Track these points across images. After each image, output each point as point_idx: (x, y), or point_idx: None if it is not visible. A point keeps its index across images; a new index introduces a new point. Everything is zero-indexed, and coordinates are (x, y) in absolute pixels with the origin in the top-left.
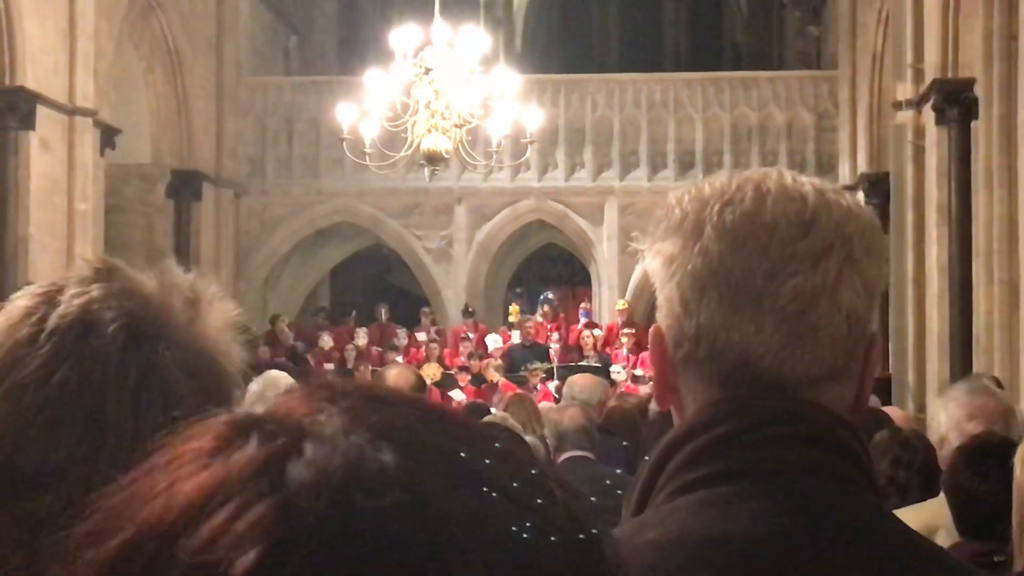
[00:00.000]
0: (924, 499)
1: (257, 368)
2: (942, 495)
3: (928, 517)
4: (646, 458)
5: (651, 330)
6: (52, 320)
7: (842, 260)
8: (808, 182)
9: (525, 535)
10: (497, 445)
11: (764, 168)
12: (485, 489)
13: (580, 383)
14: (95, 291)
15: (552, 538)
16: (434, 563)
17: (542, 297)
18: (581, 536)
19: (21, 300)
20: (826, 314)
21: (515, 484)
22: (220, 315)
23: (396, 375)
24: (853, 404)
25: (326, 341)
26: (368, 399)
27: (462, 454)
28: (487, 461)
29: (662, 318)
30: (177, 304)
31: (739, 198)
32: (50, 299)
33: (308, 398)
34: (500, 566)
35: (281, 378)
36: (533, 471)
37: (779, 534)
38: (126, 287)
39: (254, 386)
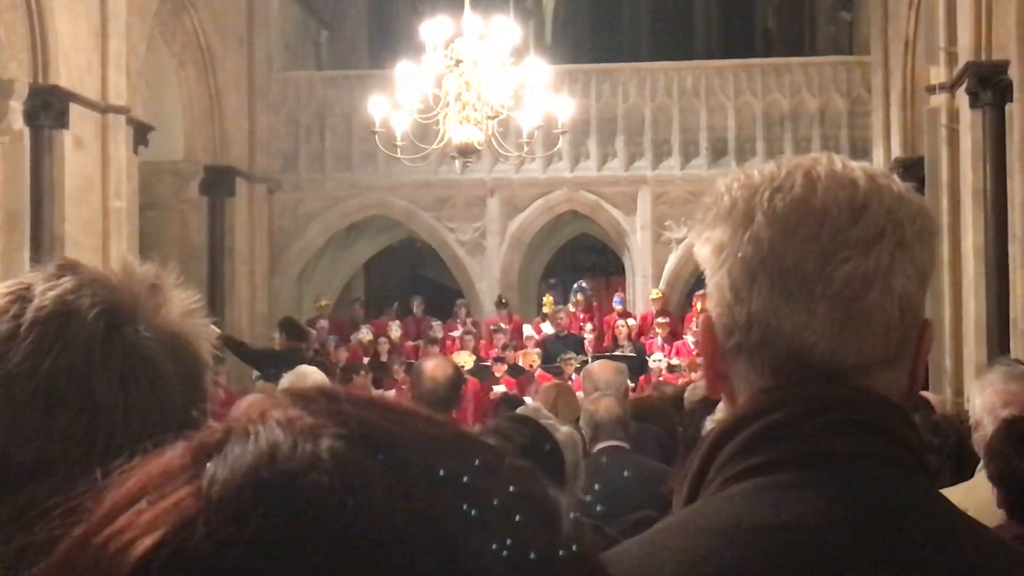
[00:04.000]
0: (955, 484)
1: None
2: (974, 479)
3: (955, 501)
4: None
5: (701, 319)
6: (29, 314)
7: (894, 245)
8: (858, 167)
9: (498, 551)
10: (481, 460)
11: (813, 154)
12: (456, 500)
13: (601, 373)
14: (67, 282)
15: (530, 555)
16: (363, 549)
17: (575, 287)
18: (561, 553)
19: None
20: (879, 300)
21: (495, 500)
22: (181, 303)
23: (434, 366)
24: (906, 389)
25: (364, 334)
26: (348, 403)
27: (438, 464)
28: (466, 475)
29: (712, 306)
30: (143, 292)
31: (789, 184)
32: (21, 296)
33: (272, 401)
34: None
35: (311, 372)
36: (512, 488)
37: (833, 522)
38: (95, 278)
39: (284, 381)
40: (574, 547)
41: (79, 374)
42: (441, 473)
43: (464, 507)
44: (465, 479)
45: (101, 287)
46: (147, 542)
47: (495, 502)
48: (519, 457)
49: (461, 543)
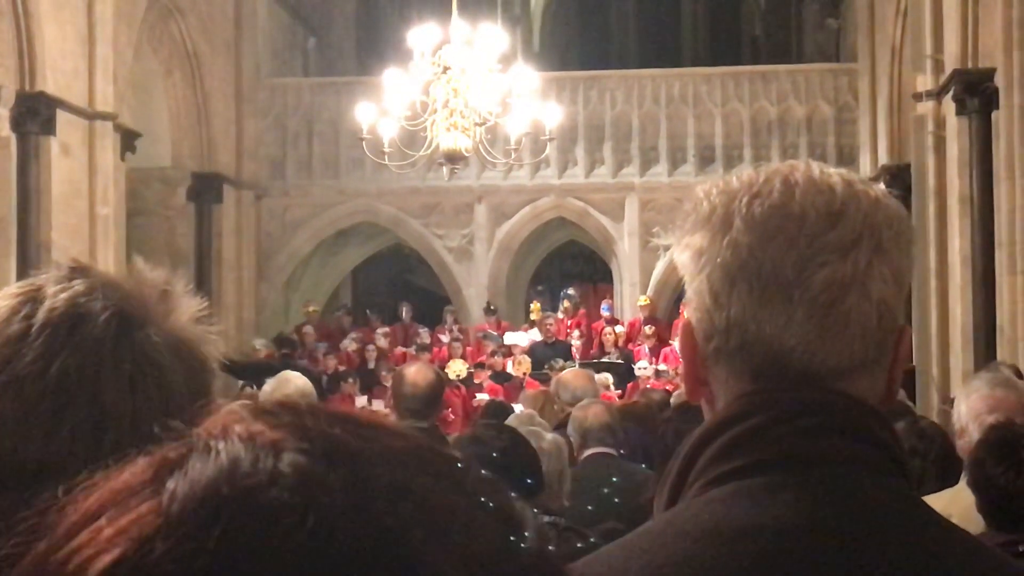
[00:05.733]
0: (940, 489)
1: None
2: (958, 484)
3: (940, 507)
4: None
5: (681, 323)
6: (41, 315)
7: (871, 250)
8: (836, 173)
9: (460, 565)
10: (445, 473)
11: (792, 160)
12: (418, 515)
13: (575, 382)
14: (78, 285)
15: (492, 568)
16: (305, 562)
17: (562, 293)
18: (524, 566)
19: (1, 301)
20: (856, 305)
21: (457, 514)
22: (189, 309)
23: (415, 372)
24: (884, 394)
25: (348, 343)
26: (310, 416)
27: (400, 478)
28: (429, 489)
29: (691, 311)
30: (153, 298)
31: (767, 190)
32: (32, 297)
33: (235, 415)
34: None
35: (294, 378)
36: (476, 501)
37: (812, 525)
38: (106, 281)
39: (267, 387)
40: (538, 560)
41: (89, 375)
42: (403, 487)
43: (426, 522)
44: (428, 493)
45: (113, 291)
46: (106, 560)
47: (458, 516)
48: (490, 467)
49: (423, 558)
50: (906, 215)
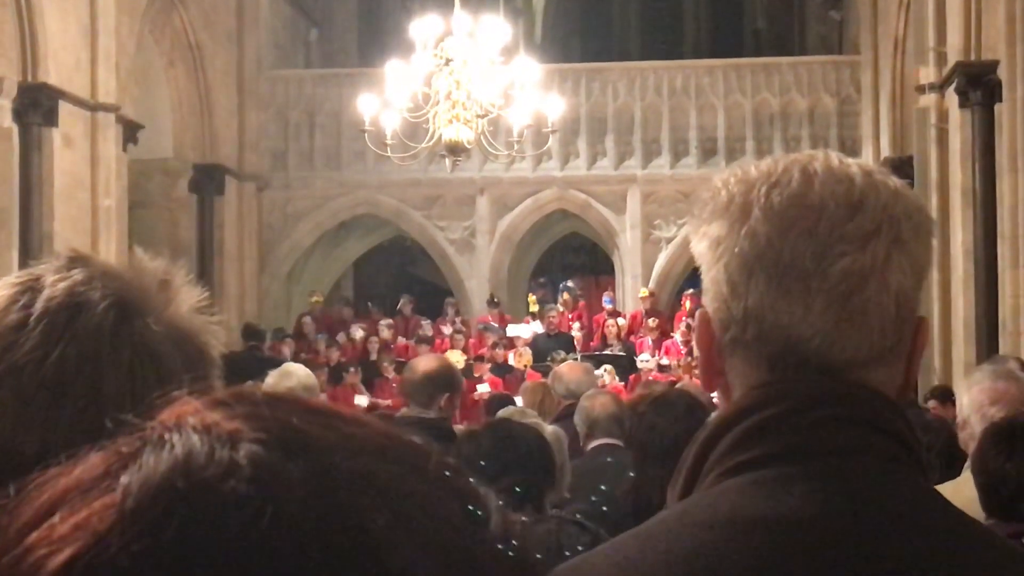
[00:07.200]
0: (943, 481)
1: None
2: (960, 477)
3: None
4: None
5: (697, 313)
6: (39, 304)
7: (890, 241)
8: (855, 163)
9: (423, 552)
10: (405, 460)
11: (810, 150)
12: (379, 503)
13: (570, 375)
14: (77, 275)
15: (455, 554)
16: (263, 557)
17: (561, 286)
18: (488, 550)
19: (1, 291)
20: (875, 295)
21: (418, 501)
22: (189, 299)
23: (418, 360)
24: (901, 385)
25: (355, 332)
26: (267, 405)
27: (359, 466)
28: (389, 476)
29: (708, 301)
30: (153, 287)
31: (786, 180)
32: (31, 286)
33: (190, 406)
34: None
35: (297, 370)
36: (437, 487)
37: (828, 515)
38: (106, 270)
39: (270, 379)
40: (502, 543)
41: (87, 365)
42: (364, 475)
43: (387, 509)
44: (389, 481)
45: (112, 280)
46: (59, 559)
47: (420, 503)
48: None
49: (384, 546)
50: (925, 207)
